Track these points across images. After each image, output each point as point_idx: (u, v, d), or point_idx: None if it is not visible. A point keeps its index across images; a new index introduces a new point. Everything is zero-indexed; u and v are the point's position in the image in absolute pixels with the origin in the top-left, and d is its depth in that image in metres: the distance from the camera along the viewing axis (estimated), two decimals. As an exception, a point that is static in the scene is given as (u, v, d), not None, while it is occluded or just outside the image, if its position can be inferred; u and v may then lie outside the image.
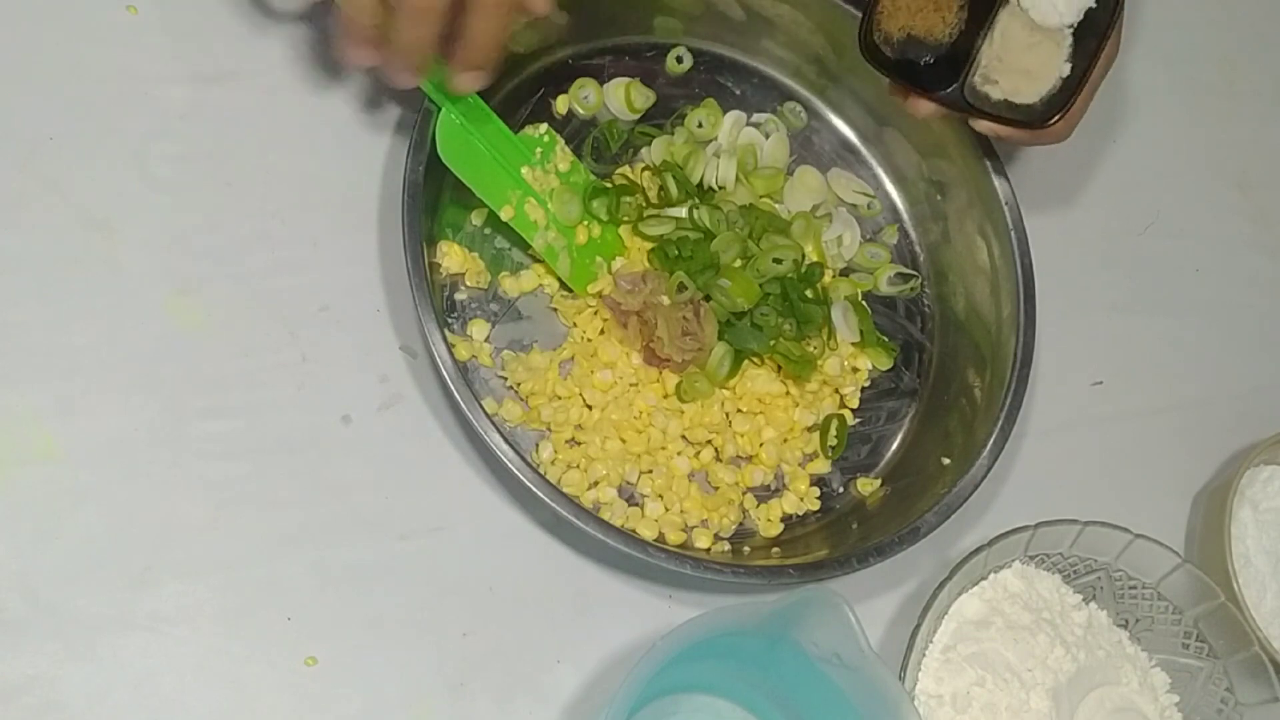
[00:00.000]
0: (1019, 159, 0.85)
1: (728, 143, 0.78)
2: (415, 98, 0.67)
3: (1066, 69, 0.68)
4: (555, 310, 0.73)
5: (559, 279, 0.73)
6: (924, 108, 0.70)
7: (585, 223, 0.73)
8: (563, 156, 0.73)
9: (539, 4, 0.62)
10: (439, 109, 0.67)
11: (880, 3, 0.68)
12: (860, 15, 0.69)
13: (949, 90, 0.69)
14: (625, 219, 0.74)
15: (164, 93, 0.69)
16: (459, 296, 0.71)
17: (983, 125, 0.70)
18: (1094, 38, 0.67)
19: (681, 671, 0.61)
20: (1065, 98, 0.68)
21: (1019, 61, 0.68)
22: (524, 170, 0.71)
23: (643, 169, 0.76)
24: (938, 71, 0.69)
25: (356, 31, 0.62)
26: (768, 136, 0.79)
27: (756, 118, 0.80)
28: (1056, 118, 0.69)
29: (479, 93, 0.67)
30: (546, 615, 0.67)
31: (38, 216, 0.65)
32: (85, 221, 0.66)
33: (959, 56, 0.69)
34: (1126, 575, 0.75)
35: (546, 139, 0.72)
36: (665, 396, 0.72)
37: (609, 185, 0.74)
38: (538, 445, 0.70)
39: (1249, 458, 0.78)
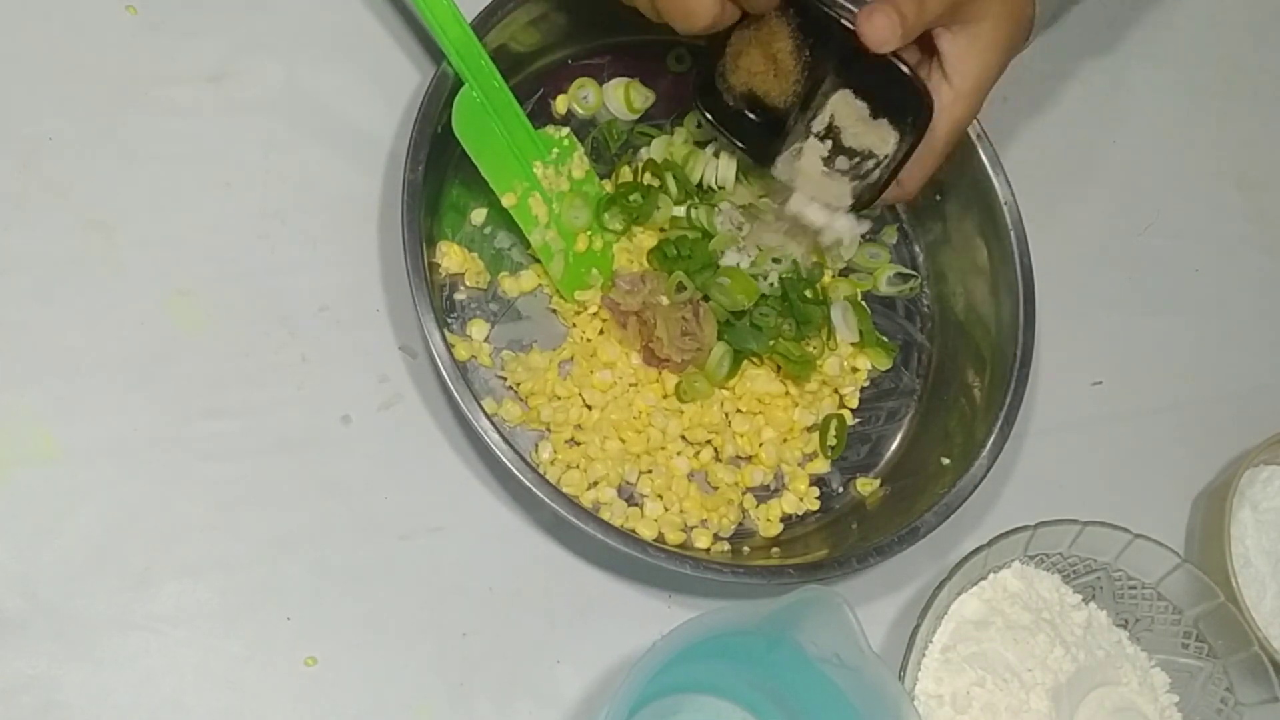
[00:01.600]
0: (1018, 159, 0.85)
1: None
2: (414, 91, 0.67)
3: (884, 163, 0.67)
4: (555, 310, 0.73)
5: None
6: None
7: (589, 232, 0.73)
8: (579, 164, 0.73)
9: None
10: (460, 84, 0.67)
11: (725, 54, 0.67)
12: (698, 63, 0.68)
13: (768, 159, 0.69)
14: (640, 221, 0.74)
15: (164, 93, 0.69)
16: (459, 296, 0.71)
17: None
18: (911, 138, 0.66)
19: (681, 671, 0.61)
20: (877, 192, 0.68)
21: (844, 145, 0.68)
22: (536, 166, 0.71)
23: (643, 165, 0.76)
24: (770, 136, 0.68)
25: None
26: (767, 136, 0.79)
27: (756, 118, 0.80)
28: (838, 217, 0.69)
29: (506, 82, 0.68)
30: (546, 615, 0.67)
31: (38, 216, 0.65)
32: (85, 221, 0.66)
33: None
34: (1126, 575, 0.75)
35: (566, 143, 0.72)
36: (665, 396, 0.72)
37: (626, 189, 0.74)
38: (537, 445, 0.70)
39: (1249, 458, 0.78)
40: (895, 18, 0.61)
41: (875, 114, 0.66)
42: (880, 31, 0.61)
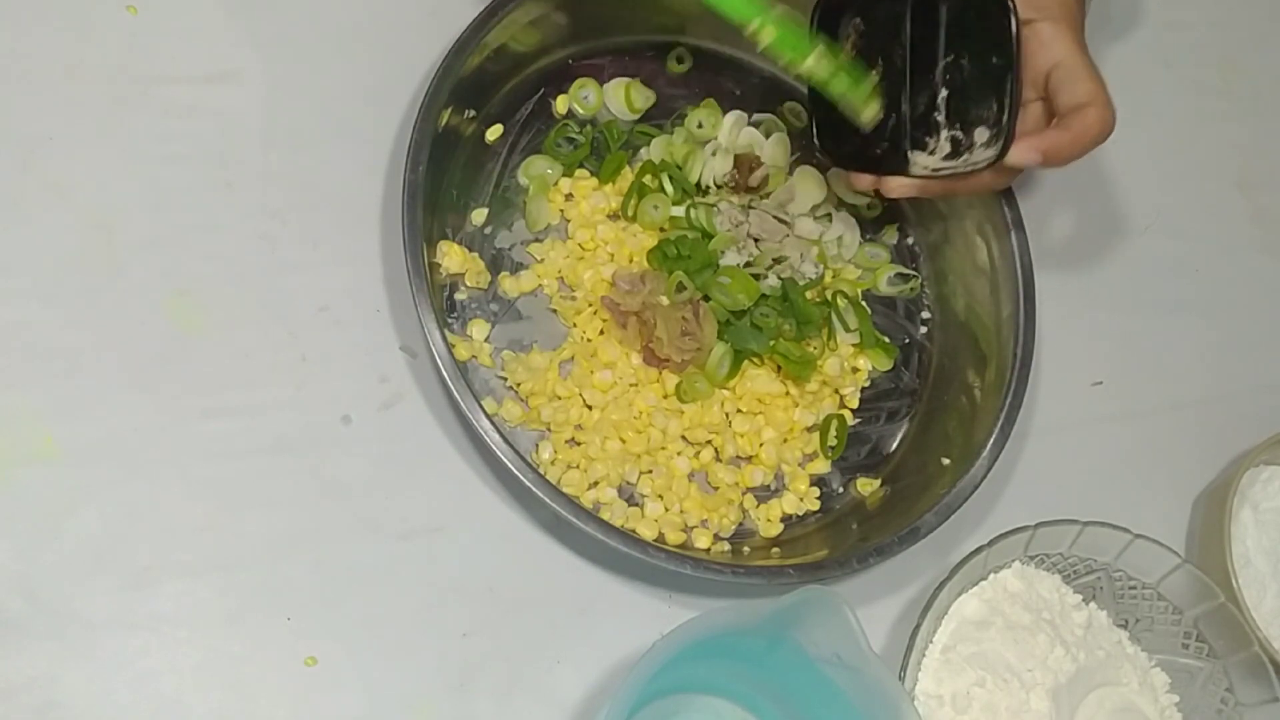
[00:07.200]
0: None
1: (728, 143, 0.78)
2: (414, 91, 0.67)
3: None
4: (555, 310, 0.73)
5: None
6: (896, 188, 0.69)
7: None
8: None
9: None
10: None
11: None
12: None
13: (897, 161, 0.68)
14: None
15: (164, 93, 0.69)
16: (459, 296, 0.71)
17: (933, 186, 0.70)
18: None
19: (681, 671, 0.61)
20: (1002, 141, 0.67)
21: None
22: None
23: (642, 166, 0.76)
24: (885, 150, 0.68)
25: None
26: (768, 136, 0.79)
27: (756, 118, 0.80)
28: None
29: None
30: (546, 616, 0.67)
31: (38, 216, 0.65)
32: (85, 221, 0.66)
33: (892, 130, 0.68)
34: (1126, 575, 0.75)
35: None
36: (665, 396, 0.72)
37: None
38: (538, 445, 0.70)
39: (1249, 458, 0.78)
40: None
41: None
42: None
